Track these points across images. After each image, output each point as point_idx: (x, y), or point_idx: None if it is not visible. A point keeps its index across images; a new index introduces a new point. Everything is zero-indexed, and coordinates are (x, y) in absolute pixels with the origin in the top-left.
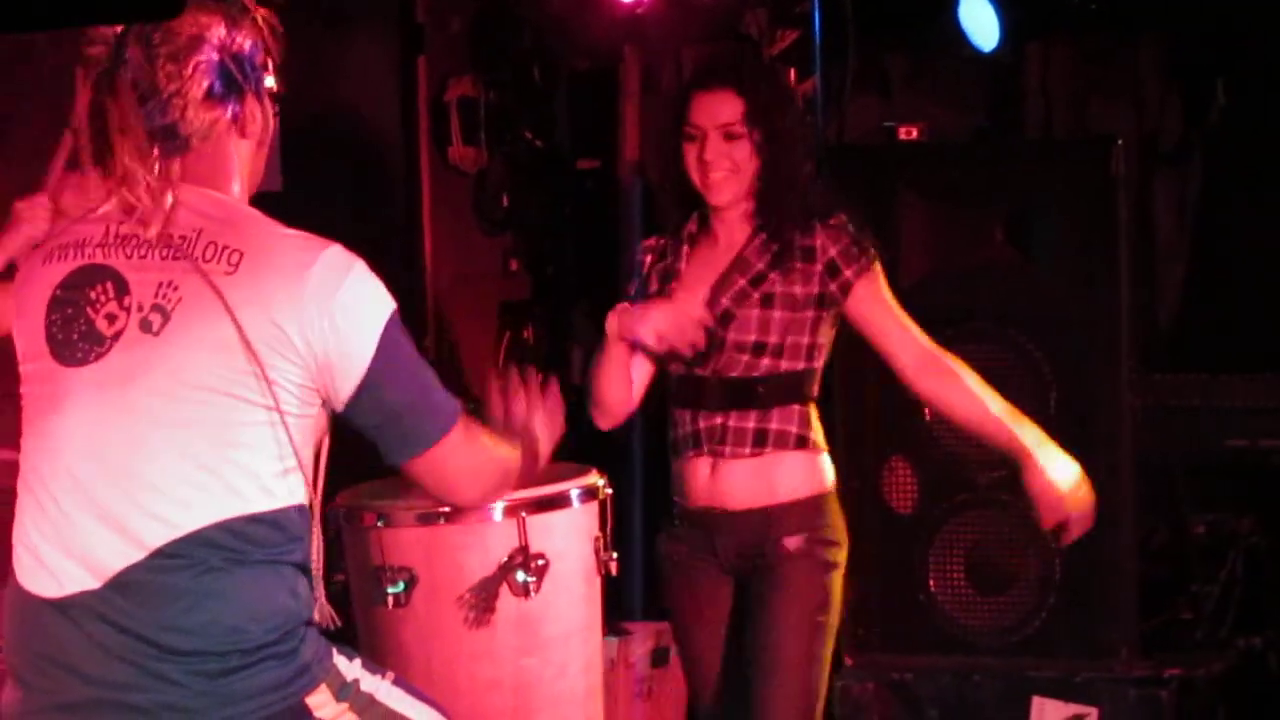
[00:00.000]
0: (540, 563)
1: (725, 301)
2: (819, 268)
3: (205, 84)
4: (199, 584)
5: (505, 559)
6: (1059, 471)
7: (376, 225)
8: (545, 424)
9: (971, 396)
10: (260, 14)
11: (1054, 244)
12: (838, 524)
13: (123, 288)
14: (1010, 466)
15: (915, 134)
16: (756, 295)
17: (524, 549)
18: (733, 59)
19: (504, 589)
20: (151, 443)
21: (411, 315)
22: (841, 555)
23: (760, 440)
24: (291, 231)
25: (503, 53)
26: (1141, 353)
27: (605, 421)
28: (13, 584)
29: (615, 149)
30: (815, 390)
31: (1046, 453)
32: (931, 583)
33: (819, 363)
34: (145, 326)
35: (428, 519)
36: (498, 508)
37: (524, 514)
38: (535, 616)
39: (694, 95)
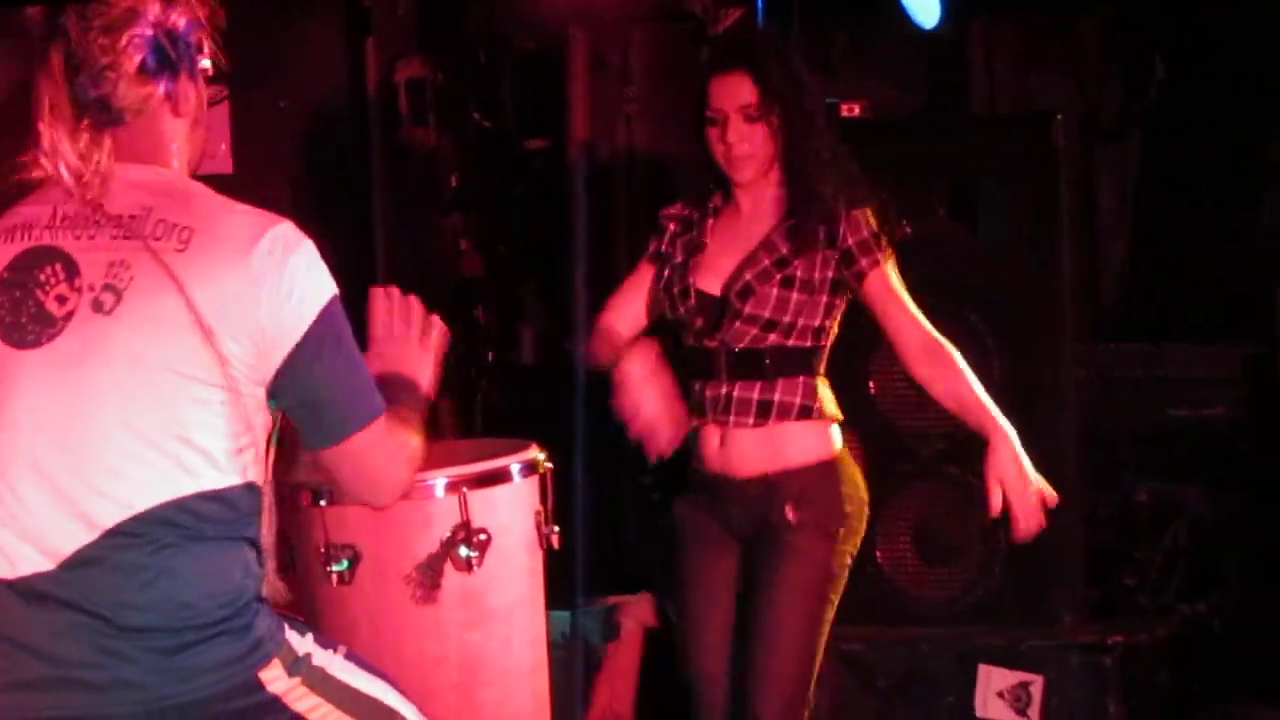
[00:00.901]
0: (483, 537)
1: (748, 276)
2: (836, 255)
3: (138, 59)
4: (152, 561)
5: (448, 534)
6: (1025, 461)
7: (327, 206)
8: (425, 350)
9: (963, 382)
10: None
11: (997, 218)
12: (847, 492)
13: (73, 269)
14: (956, 439)
15: (857, 111)
16: (778, 276)
17: (466, 524)
18: (746, 42)
19: (448, 564)
20: (105, 423)
21: (362, 294)
22: (849, 524)
23: (764, 411)
24: (242, 207)
25: (450, 34)
26: (1085, 324)
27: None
28: None
29: (563, 129)
30: (822, 365)
31: (1016, 442)
32: (879, 554)
33: (826, 342)
34: (97, 306)
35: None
36: (440, 483)
37: (465, 490)
38: (479, 590)
39: (713, 78)
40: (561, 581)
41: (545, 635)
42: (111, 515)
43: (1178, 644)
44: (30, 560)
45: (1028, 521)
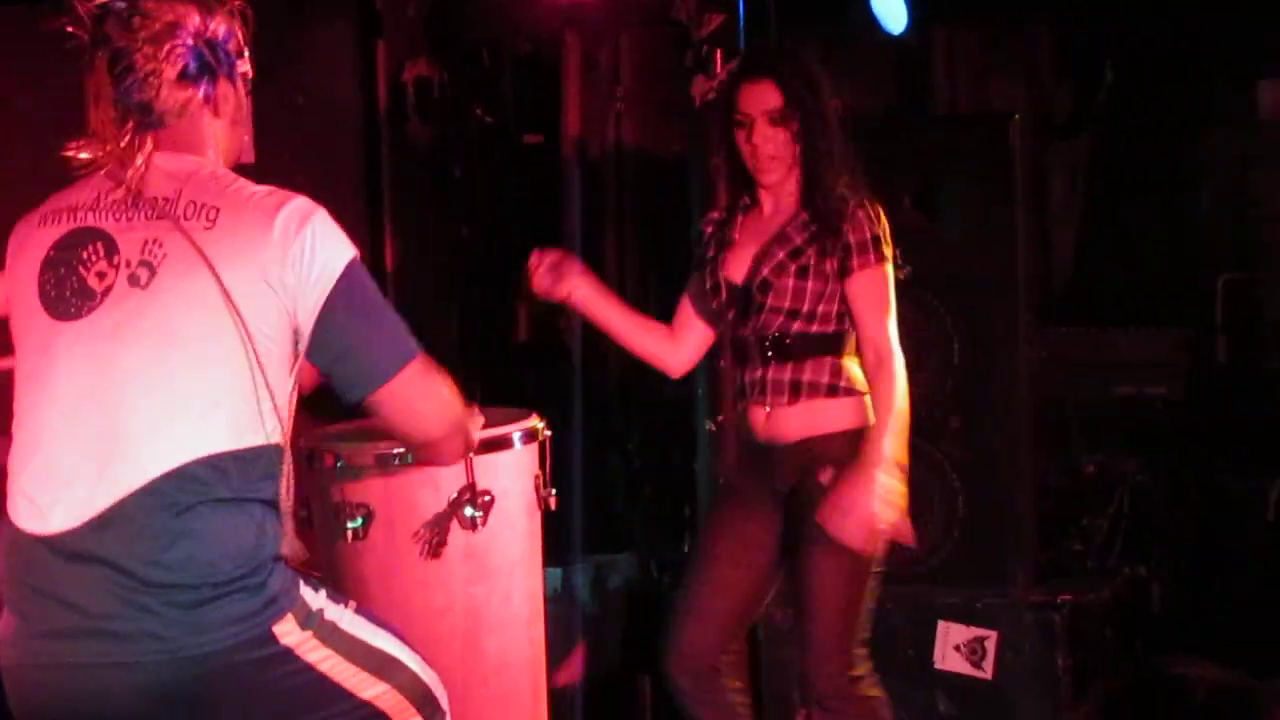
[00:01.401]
0: (487, 499)
1: (765, 271)
2: (839, 246)
3: (180, 66)
4: (177, 523)
5: (455, 495)
6: (865, 494)
7: (339, 196)
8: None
9: (880, 408)
10: (235, 4)
11: (957, 210)
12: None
13: (112, 247)
14: (920, 413)
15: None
16: (793, 267)
17: (472, 486)
18: (771, 53)
19: (454, 523)
20: (138, 387)
21: (372, 275)
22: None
23: (796, 390)
24: (263, 187)
25: (455, 37)
26: (1037, 309)
27: (671, 372)
28: (6, 522)
29: (557, 125)
30: (849, 346)
31: (869, 476)
32: None
33: (849, 325)
34: (133, 281)
35: (384, 460)
36: None
37: (471, 454)
38: (482, 548)
39: (741, 86)
40: (555, 540)
41: (543, 589)
42: (140, 475)
43: (1121, 603)
44: (63, 517)
45: (837, 532)
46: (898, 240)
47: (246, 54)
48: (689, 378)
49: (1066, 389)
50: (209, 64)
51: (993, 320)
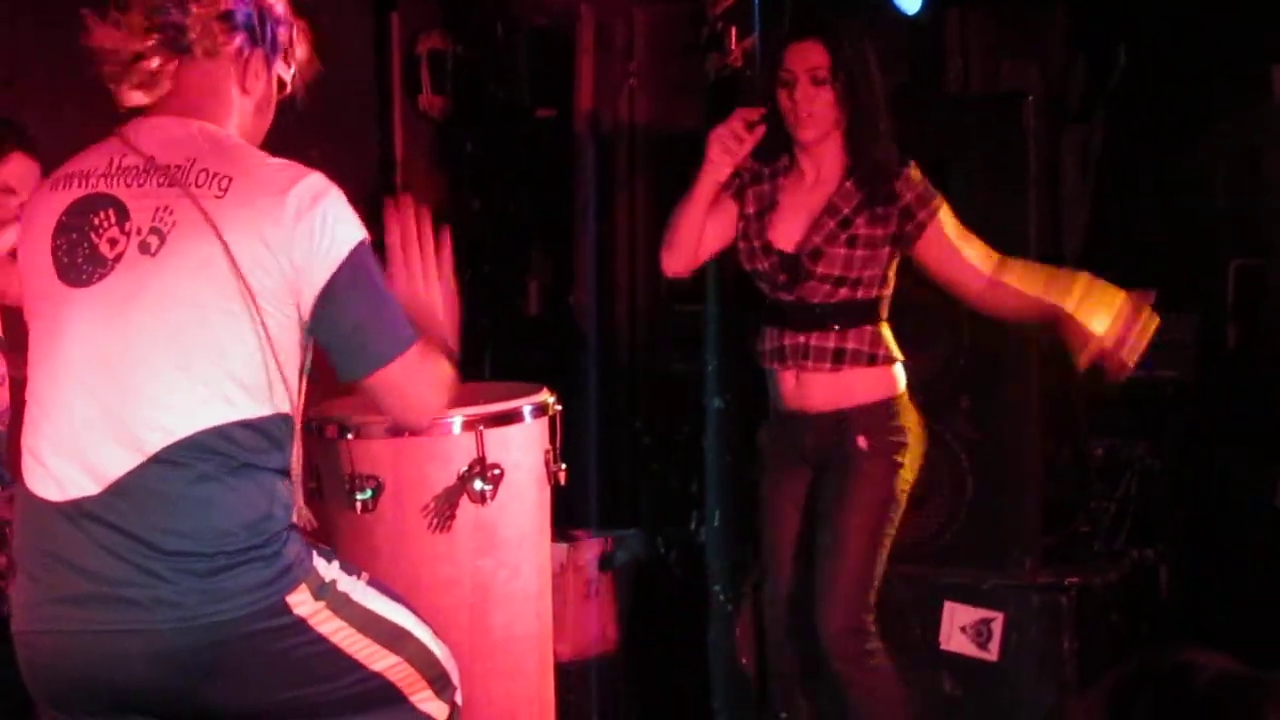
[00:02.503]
0: (496, 472)
1: (817, 240)
2: (895, 211)
3: (225, 7)
4: (191, 491)
5: (465, 469)
6: (1095, 322)
7: (353, 166)
8: (442, 271)
9: (1022, 296)
10: (300, 20)
11: (969, 191)
12: (907, 424)
13: (123, 214)
14: (930, 395)
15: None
16: (844, 236)
17: (481, 460)
18: (821, 16)
19: (463, 496)
20: (149, 356)
21: (382, 249)
22: (908, 455)
23: (839, 358)
24: (278, 160)
25: (469, 10)
26: None
27: (672, 262)
28: (21, 488)
29: (570, 99)
30: (885, 311)
31: (1086, 307)
32: None
33: (888, 290)
34: (144, 248)
35: (394, 432)
36: (457, 422)
37: (482, 428)
38: (491, 521)
39: (788, 44)
40: (561, 515)
41: (550, 563)
42: (155, 442)
43: (1128, 586)
44: (78, 484)
45: (1115, 366)
46: None
47: (291, 62)
48: (698, 355)
49: (1076, 371)
50: (254, 27)
51: None
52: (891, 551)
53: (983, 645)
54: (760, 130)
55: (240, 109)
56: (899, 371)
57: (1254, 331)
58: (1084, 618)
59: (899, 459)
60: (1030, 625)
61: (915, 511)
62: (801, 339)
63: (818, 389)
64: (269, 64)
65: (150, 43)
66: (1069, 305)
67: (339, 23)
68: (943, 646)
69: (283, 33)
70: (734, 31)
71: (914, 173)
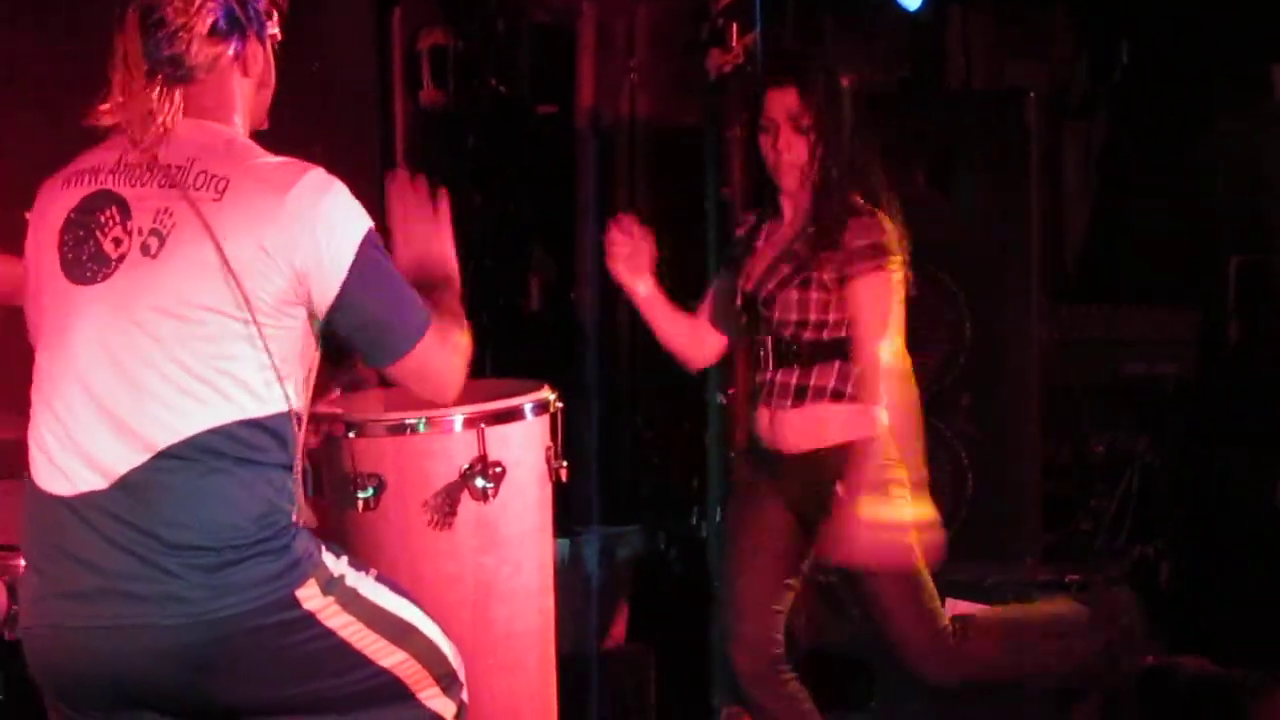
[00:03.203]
0: (498, 470)
1: (770, 285)
2: (841, 255)
3: (210, 20)
4: (199, 484)
5: (466, 466)
6: (853, 520)
7: (353, 162)
8: (440, 222)
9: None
10: None
11: (971, 187)
12: (889, 458)
13: (127, 213)
14: (931, 392)
15: (846, 84)
16: (796, 280)
17: (483, 457)
18: (795, 59)
19: (465, 494)
20: (153, 356)
21: (385, 246)
22: (895, 485)
23: (800, 394)
24: (277, 158)
25: (471, 6)
26: (1049, 287)
27: (692, 365)
28: (29, 483)
29: (572, 96)
30: None
31: (852, 501)
32: None
33: None
34: (145, 250)
35: (396, 430)
36: (459, 419)
37: (483, 425)
38: (493, 519)
39: (767, 91)
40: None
41: (552, 560)
42: (161, 439)
43: (1128, 583)
44: (86, 479)
45: (850, 559)
46: (912, 216)
47: (276, 16)
48: None
49: (1077, 368)
50: (239, 21)
51: (1005, 298)
52: None
53: None
54: (642, 232)
55: (244, 92)
56: (875, 414)
57: (1255, 328)
58: None
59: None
60: None
61: None
62: (767, 376)
63: (786, 428)
64: (261, 41)
65: (155, 93)
66: (852, 482)
67: (341, 19)
68: None
69: (263, 4)
70: (735, 28)
71: (875, 222)
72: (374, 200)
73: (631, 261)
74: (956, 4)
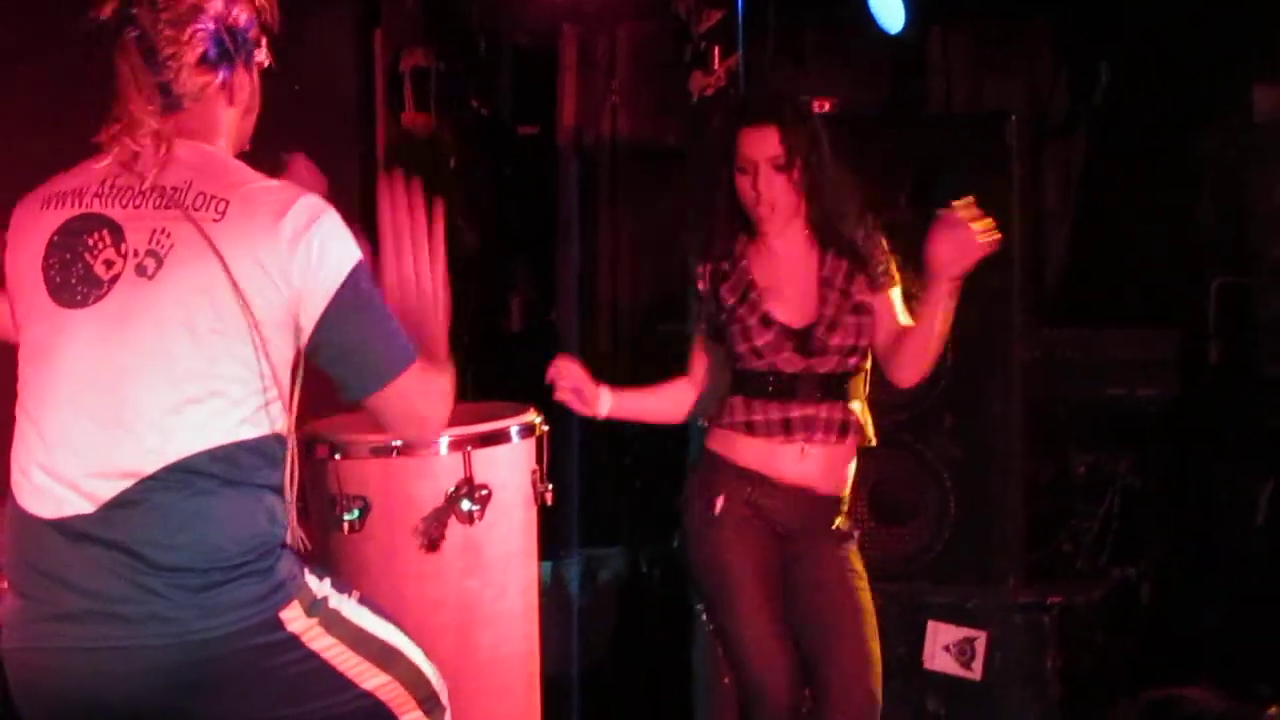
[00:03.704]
0: (484, 492)
1: (828, 312)
2: (864, 276)
3: (200, 50)
4: (186, 506)
5: (452, 489)
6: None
7: (336, 183)
8: (437, 288)
9: (904, 338)
10: None
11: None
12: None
13: (119, 235)
14: (913, 413)
15: (828, 106)
16: (849, 305)
17: (469, 480)
18: (772, 99)
19: (451, 516)
20: (144, 378)
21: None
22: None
23: (844, 430)
24: (274, 181)
25: (453, 27)
26: (1031, 308)
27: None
28: (12, 504)
29: (553, 117)
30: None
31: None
32: None
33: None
34: (141, 271)
35: (381, 452)
36: (444, 442)
37: (469, 448)
38: (479, 541)
39: (742, 132)
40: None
41: (537, 583)
42: (150, 463)
43: (1110, 604)
44: (73, 502)
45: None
46: (894, 238)
47: (265, 43)
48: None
49: (1059, 389)
50: (229, 50)
51: (986, 319)
52: (874, 570)
53: (966, 664)
54: (576, 368)
55: (228, 121)
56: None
57: (1236, 349)
58: (1067, 636)
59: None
60: (1014, 644)
61: (898, 529)
62: (811, 410)
63: (823, 463)
64: (249, 69)
65: (155, 118)
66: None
67: (323, 40)
68: (926, 665)
69: (253, 32)
70: (718, 51)
71: (878, 240)
72: (354, 223)
73: (579, 390)
74: (937, 25)
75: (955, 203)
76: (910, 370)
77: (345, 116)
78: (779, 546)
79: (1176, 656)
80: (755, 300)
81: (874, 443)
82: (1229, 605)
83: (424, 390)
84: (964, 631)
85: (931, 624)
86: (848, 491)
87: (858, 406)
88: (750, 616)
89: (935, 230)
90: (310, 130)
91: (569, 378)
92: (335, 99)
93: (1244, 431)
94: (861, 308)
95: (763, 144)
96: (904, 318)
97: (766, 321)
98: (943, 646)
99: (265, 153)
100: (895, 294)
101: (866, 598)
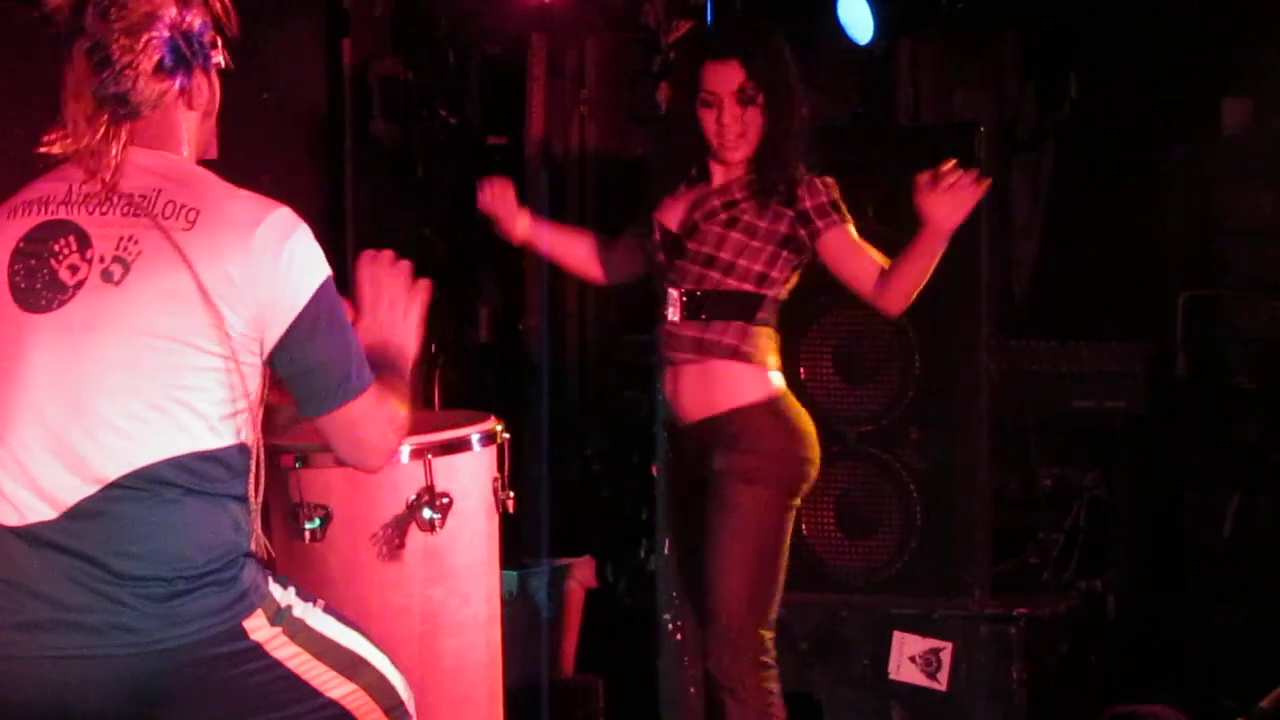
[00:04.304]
0: (445, 501)
1: (696, 216)
2: (791, 213)
3: (156, 58)
4: (150, 514)
5: (414, 497)
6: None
7: (304, 192)
8: (410, 315)
9: (900, 269)
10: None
11: (920, 221)
12: (779, 441)
13: (85, 241)
14: (880, 423)
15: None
16: (724, 216)
17: (430, 488)
18: (738, 31)
19: (412, 525)
20: (109, 384)
21: (334, 275)
22: (780, 471)
23: (699, 347)
24: (244, 193)
25: (421, 36)
26: (999, 321)
27: (598, 279)
28: None
29: (522, 127)
30: (765, 315)
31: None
32: (804, 527)
33: (771, 292)
34: (106, 277)
35: (341, 460)
36: (405, 450)
37: (430, 456)
38: (441, 550)
39: (706, 65)
40: (511, 543)
41: (500, 591)
42: (113, 470)
43: (1076, 616)
44: (36, 510)
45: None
46: None
47: (221, 44)
48: (647, 381)
49: (1026, 401)
50: (185, 56)
51: (954, 331)
52: (840, 581)
53: (932, 675)
54: (507, 188)
55: (189, 124)
56: (766, 378)
57: (1203, 362)
58: (1033, 647)
59: (765, 480)
60: (979, 655)
61: (864, 541)
62: (672, 327)
63: (687, 386)
64: (206, 72)
65: (102, 129)
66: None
67: (292, 48)
68: (892, 676)
69: (208, 35)
70: None
71: (823, 182)
72: (322, 233)
73: (503, 205)
74: (906, 36)
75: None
76: (900, 300)
77: (313, 125)
78: (686, 475)
79: (1142, 669)
80: (661, 205)
81: (765, 367)
82: (1195, 619)
83: (375, 418)
84: (930, 642)
85: (897, 635)
86: (733, 413)
87: (730, 327)
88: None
89: (925, 190)
90: (278, 139)
91: (498, 191)
92: (304, 108)
93: (1211, 445)
94: (739, 224)
95: (727, 77)
96: (872, 256)
97: (651, 228)
98: (909, 657)
99: (236, 161)
100: (838, 233)
101: (742, 534)
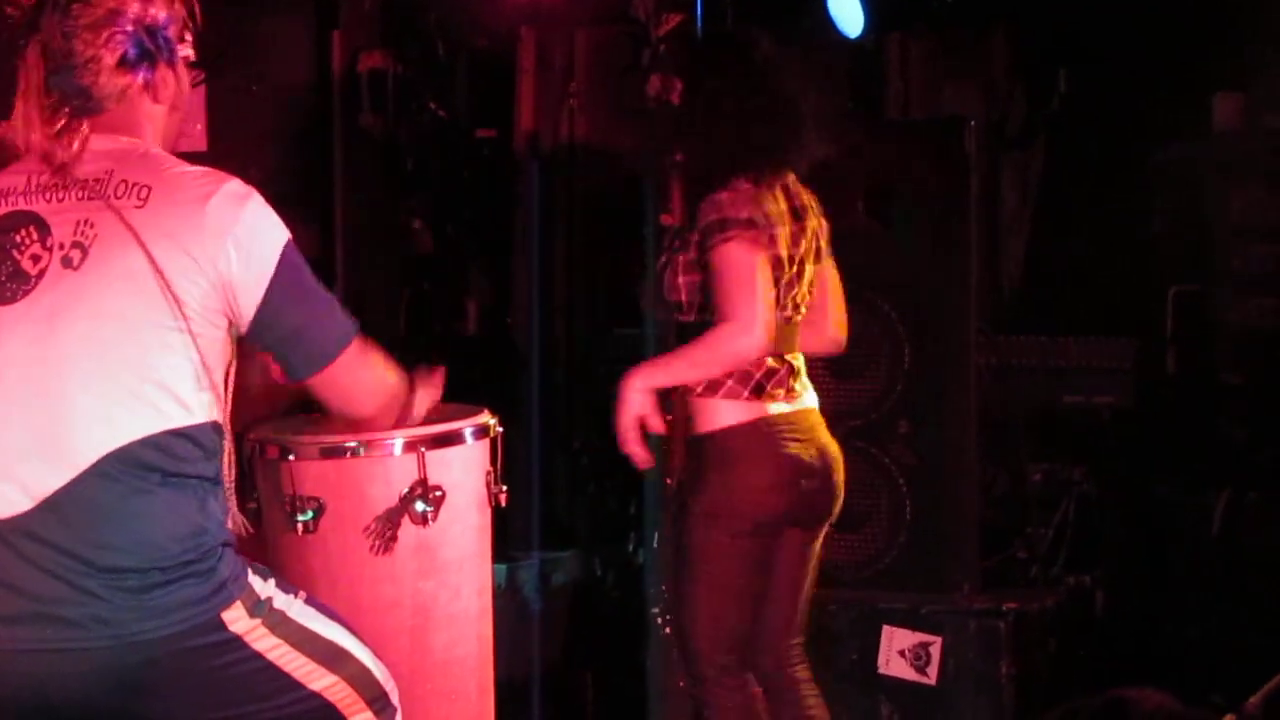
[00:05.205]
0: (438, 494)
1: (658, 266)
2: (696, 236)
3: (119, 53)
4: (125, 504)
5: (406, 490)
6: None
7: (292, 185)
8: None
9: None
10: None
11: (910, 216)
12: (721, 474)
13: (45, 230)
14: (869, 419)
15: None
16: (664, 259)
17: (423, 481)
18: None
19: (405, 518)
20: (77, 370)
21: (322, 268)
22: (715, 505)
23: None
24: (196, 167)
25: (411, 29)
26: (988, 316)
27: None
28: None
29: (511, 120)
30: None
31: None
32: None
33: (707, 317)
34: (66, 263)
35: (334, 453)
36: (398, 443)
37: (423, 449)
38: (433, 543)
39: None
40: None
41: (491, 585)
42: (87, 456)
43: (1064, 611)
44: (10, 501)
45: None
46: (851, 244)
47: (189, 37)
48: None
49: (1015, 397)
50: (149, 50)
51: (943, 326)
52: (829, 575)
53: (921, 669)
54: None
55: (154, 116)
56: (715, 408)
57: (1192, 358)
58: (1021, 643)
59: (701, 511)
60: (968, 650)
61: (853, 535)
62: None
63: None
64: (172, 66)
65: (60, 123)
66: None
67: (280, 41)
68: (881, 671)
69: (173, 29)
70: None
71: (724, 199)
72: (309, 225)
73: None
74: (896, 31)
75: None
76: None
77: (301, 118)
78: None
79: (1130, 664)
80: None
81: (713, 395)
82: (1183, 614)
83: (364, 369)
84: (919, 637)
85: (886, 629)
86: (675, 445)
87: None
88: None
89: None
90: (266, 132)
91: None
92: (293, 100)
93: (1200, 441)
94: (676, 265)
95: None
96: (715, 291)
97: None
98: (898, 651)
99: (224, 153)
100: (719, 257)
101: (693, 574)
